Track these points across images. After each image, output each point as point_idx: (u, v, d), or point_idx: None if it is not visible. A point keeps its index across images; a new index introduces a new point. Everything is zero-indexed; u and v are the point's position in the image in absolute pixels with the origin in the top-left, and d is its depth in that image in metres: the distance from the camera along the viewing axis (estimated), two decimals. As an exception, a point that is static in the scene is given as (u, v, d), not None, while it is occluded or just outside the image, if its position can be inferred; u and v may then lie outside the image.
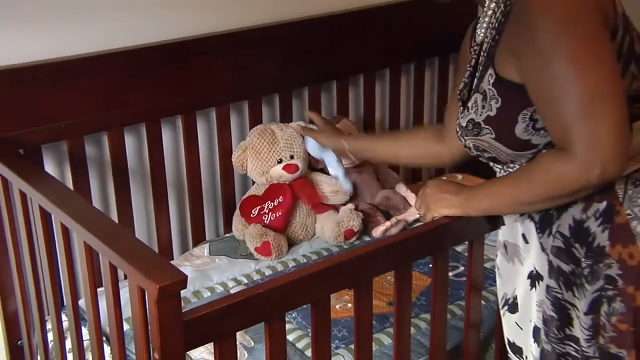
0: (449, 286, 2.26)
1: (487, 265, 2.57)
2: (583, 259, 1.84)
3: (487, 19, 1.92)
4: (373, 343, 2.15)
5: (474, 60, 2.01)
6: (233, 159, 2.89)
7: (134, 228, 2.82)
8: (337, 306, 2.55)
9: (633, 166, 1.82)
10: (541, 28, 1.67)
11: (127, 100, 2.67)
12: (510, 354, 2.17)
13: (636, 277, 1.79)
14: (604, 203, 1.81)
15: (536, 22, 1.68)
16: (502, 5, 1.85)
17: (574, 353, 1.93)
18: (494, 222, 2.20)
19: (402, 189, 3.15)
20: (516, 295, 2.06)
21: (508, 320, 2.14)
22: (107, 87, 2.61)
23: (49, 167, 2.62)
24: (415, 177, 3.64)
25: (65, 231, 2.03)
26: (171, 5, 2.74)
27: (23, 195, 2.21)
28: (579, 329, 1.89)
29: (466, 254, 2.29)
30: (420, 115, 3.58)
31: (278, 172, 2.87)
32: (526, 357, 2.09)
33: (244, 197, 2.95)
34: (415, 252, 2.14)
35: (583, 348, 1.89)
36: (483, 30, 1.94)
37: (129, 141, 2.78)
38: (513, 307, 2.09)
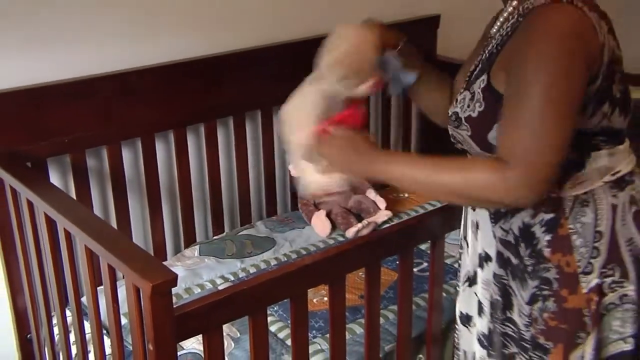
0: (414, 280, 2.27)
1: (448, 261, 2.60)
2: (526, 258, 1.87)
3: (502, 18, 1.87)
4: (346, 332, 2.17)
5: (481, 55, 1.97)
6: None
7: (131, 232, 2.83)
8: (315, 300, 2.56)
9: (582, 188, 1.84)
10: (531, 59, 1.65)
11: (124, 118, 2.67)
12: (459, 326, 2.17)
13: (570, 282, 1.82)
14: (551, 214, 1.82)
15: (530, 51, 1.65)
16: (516, 15, 1.79)
17: (512, 334, 1.95)
18: (453, 223, 2.22)
19: (372, 194, 3.16)
20: (477, 271, 2.06)
21: (465, 294, 2.14)
22: (106, 106, 2.62)
23: (54, 179, 2.62)
24: (384, 184, 3.63)
25: (69, 236, 2.04)
26: (161, 32, 2.75)
27: (30, 204, 2.21)
28: (518, 314, 1.91)
29: (429, 252, 2.31)
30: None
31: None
32: (474, 325, 2.10)
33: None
34: (384, 251, 2.15)
35: (521, 331, 1.92)
36: (496, 28, 1.89)
37: (126, 154, 2.78)
38: (473, 280, 2.09)
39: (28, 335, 2.64)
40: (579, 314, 1.83)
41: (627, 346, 1.87)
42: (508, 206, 1.72)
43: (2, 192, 2.41)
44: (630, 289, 1.83)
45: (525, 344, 1.92)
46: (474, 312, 2.11)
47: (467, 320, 2.13)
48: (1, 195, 2.42)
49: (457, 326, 2.19)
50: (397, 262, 2.21)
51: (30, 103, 2.46)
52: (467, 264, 2.12)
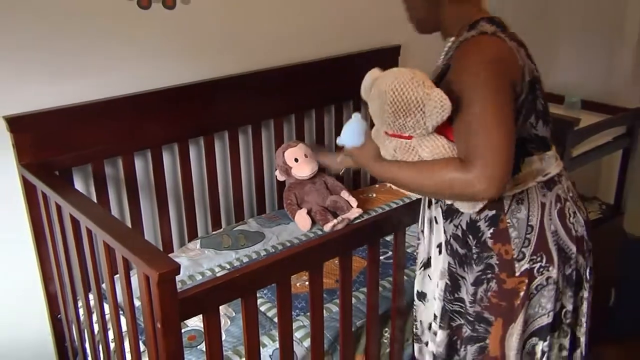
0: (380, 267, 2.29)
1: (408, 250, 2.59)
2: (473, 247, 1.90)
3: (444, 53, 1.93)
4: (324, 311, 2.18)
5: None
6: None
7: (143, 229, 2.83)
8: (297, 284, 2.57)
9: (518, 188, 1.86)
10: (468, 82, 1.68)
11: (136, 133, 2.68)
12: (416, 301, 2.20)
13: (508, 267, 1.86)
14: (493, 211, 1.86)
15: (467, 77, 1.69)
16: (454, 48, 1.83)
17: (459, 309, 2.00)
18: (412, 218, 2.24)
19: (345, 194, 3.16)
20: (430, 257, 2.09)
21: (421, 275, 2.17)
22: (121, 122, 2.62)
23: (78, 185, 2.62)
24: (355, 185, 3.65)
25: (90, 233, 2.05)
26: (167, 61, 2.76)
27: (58, 207, 2.22)
28: (465, 294, 1.96)
29: (392, 242, 2.32)
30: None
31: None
32: (428, 300, 2.14)
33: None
34: (355, 242, 2.17)
35: (467, 307, 1.96)
36: (442, 57, 1.94)
37: (138, 163, 2.79)
38: (427, 264, 2.12)
39: (58, 316, 2.64)
40: (515, 294, 1.87)
41: (547, 320, 1.92)
42: (481, 198, 1.72)
43: (35, 196, 2.42)
44: (553, 272, 1.87)
45: (469, 317, 1.97)
46: (428, 290, 2.14)
47: (422, 296, 2.17)
48: (34, 199, 2.42)
49: (414, 302, 2.22)
50: (366, 252, 2.21)
51: (58, 122, 2.46)
52: (422, 252, 2.14)
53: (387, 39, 3.47)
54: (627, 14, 3.76)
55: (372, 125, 1.91)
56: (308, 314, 2.20)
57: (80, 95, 2.53)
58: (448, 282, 2.00)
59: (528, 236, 1.85)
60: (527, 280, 1.86)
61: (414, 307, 2.23)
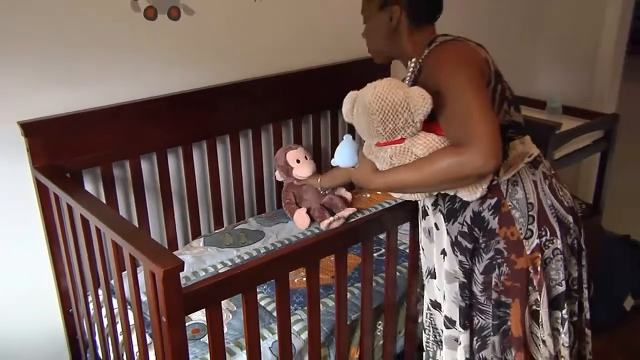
0: (374, 263, 2.28)
1: (400, 247, 2.59)
2: (481, 238, 1.91)
3: (408, 73, 2.01)
4: (321, 305, 2.21)
5: None
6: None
7: (149, 228, 2.83)
8: (295, 280, 2.57)
9: (511, 172, 1.89)
10: (446, 76, 1.76)
11: (142, 137, 2.68)
12: (432, 310, 2.21)
13: (516, 248, 1.89)
14: (495, 199, 1.89)
15: (443, 72, 1.78)
16: (417, 64, 1.95)
17: (476, 304, 2.00)
18: (404, 217, 2.25)
19: (341, 191, 3.18)
20: (434, 267, 2.11)
21: (430, 285, 2.19)
22: (128, 127, 2.62)
23: (88, 186, 2.62)
24: (351, 186, 3.63)
25: (99, 232, 2.05)
26: (172, 68, 2.76)
27: (69, 207, 2.23)
28: (474, 286, 1.97)
29: (385, 240, 2.32)
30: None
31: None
32: (442, 309, 2.13)
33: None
34: (350, 240, 2.17)
35: (478, 298, 1.98)
36: (407, 80, 2.01)
37: (144, 166, 2.79)
38: (433, 275, 2.14)
39: (70, 310, 2.64)
40: (526, 273, 1.90)
41: (562, 288, 1.95)
42: (483, 174, 1.72)
43: (47, 197, 2.42)
44: (558, 243, 1.90)
45: (484, 307, 1.98)
46: (439, 299, 2.15)
47: (437, 306, 2.17)
48: (46, 200, 2.42)
49: (430, 310, 2.22)
50: (361, 249, 2.21)
51: (69, 127, 2.46)
52: (425, 263, 2.16)
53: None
54: (604, 27, 3.79)
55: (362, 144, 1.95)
56: (305, 308, 2.21)
57: (90, 102, 2.53)
58: (464, 280, 2.00)
59: (531, 213, 1.88)
60: (540, 255, 1.89)
61: (431, 316, 2.23)
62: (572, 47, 3.89)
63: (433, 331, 2.24)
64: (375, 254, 2.52)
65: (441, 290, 2.11)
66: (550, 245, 1.90)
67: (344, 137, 2.01)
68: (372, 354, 2.41)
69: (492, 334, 1.99)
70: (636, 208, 4.52)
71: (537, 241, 1.88)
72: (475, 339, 2.03)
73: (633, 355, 3.41)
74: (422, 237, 2.16)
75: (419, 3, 1.96)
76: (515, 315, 1.93)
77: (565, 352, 2.00)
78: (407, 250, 2.40)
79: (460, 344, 2.06)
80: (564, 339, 1.98)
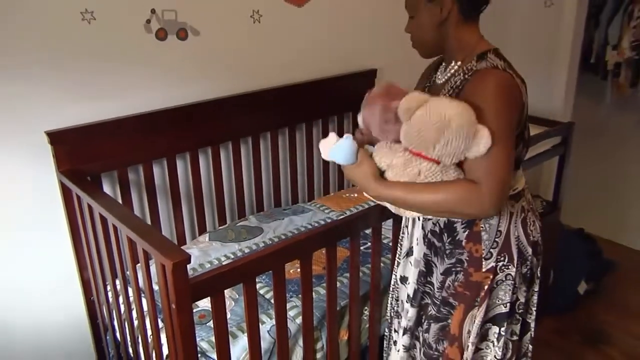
0: (361, 255, 2.29)
1: (384, 241, 2.59)
2: (447, 243, 1.90)
3: (449, 74, 1.81)
4: (313, 293, 2.19)
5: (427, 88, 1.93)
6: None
7: (160, 225, 2.82)
8: (291, 270, 2.55)
9: None
10: (488, 110, 1.61)
11: (154, 144, 2.67)
12: (399, 284, 2.19)
13: (476, 263, 1.86)
14: None
15: (486, 105, 1.61)
16: (462, 74, 1.74)
17: (429, 291, 2.01)
18: (387, 215, 2.23)
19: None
20: (412, 247, 2.08)
21: (404, 263, 2.15)
22: (141, 135, 2.61)
23: (106, 188, 2.61)
24: (339, 186, 3.65)
25: (115, 229, 2.05)
26: (181, 83, 2.75)
27: (90, 207, 2.22)
28: (435, 279, 1.96)
29: (371, 235, 2.32)
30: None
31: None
32: (409, 283, 2.11)
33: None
34: (339, 235, 2.15)
35: (435, 291, 1.98)
36: (445, 78, 1.82)
37: (156, 170, 2.78)
38: (409, 253, 2.10)
39: (91, 298, 2.63)
40: (479, 286, 1.88)
41: (505, 309, 1.92)
42: (476, 217, 1.67)
43: (71, 198, 2.41)
44: (512, 270, 1.86)
45: (435, 300, 1.98)
46: (409, 274, 2.13)
47: (404, 280, 2.16)
48: (70, 201, 2.42)
49: (397, 284, 2.20)
50: (349, 243, 2.20)
51: (89, 135, 2.45)
52: (406, 244, 2.14)
53: (365, 63, 3.47)
54: (560, 44, 3.84)
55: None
56: (300, 295, 2.21)
57: (108, 113, 2.53)
58: (423, 268, 2.00)
59: (497, 239, 1.84)
60: (491, 276, 1.86)
61: (397, 288, 2.22)
62: (535, 67, 3.95)
63: (395, 301, 2.25)
64: (362, 247, 2.52)
65: (412, 266, 2.10)
66: (505, 269, 1.86)
67: (345, 136, 1.73)
68: (359, 335, 2.41)
69: (432, 321, 2.00)
70: (589, 205, 4.55)
71: (493, 264, 1.84)
72: (421, 313, 2.06)
73: (586, 332, 3.45)
74: (409, 222, 2.12)
75: None
76: (456, 317, 1.92)
77: None
78: (390, 244, 2.39)
79: (408, 313, 2.10)
80: (496, 352, 1.96)
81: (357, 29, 3.37)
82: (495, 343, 1.96)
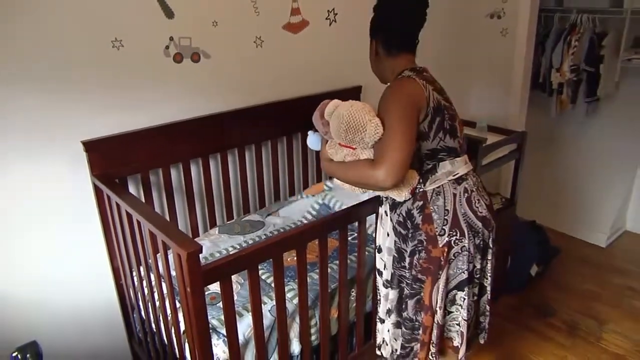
0: (348, 245, 2.30)
1: (369, 231, 2.60)
2: (410, 229, 1.90)
3: None
4: (308, 278, 2.20)
5: None
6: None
7: (177, 220, 2.80)
8: (288, 259, 2.55)
9: (436, 184, 1.88)
10: (385, 109, 1.76)
11: (171, 151, 2.65)
12: (377, 277, 2.21)
13: (432, 241, 1.89)
14: (421, 202, 1.88)
15: (385, 105, 1.77)
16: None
17: (403, 274, 2.02)
18: (370, 211, 2.24)
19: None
20: (380, 244, 2.11)
21: (378, 257, 2.18)
22: (161, 144, 2.60)
23: (131, 189, 2.59)
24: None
25: (139, 224, 2.04)
26: (194, 98, 2.73)
27: (118, 205, 2.21)
28: (407, 262, 1.96)
29: (357, 227, 2.31)
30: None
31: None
32: (382, 274, 2.15)
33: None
34: (329, 228, 2.14)
35: (406, 271, 1.98)
36: None
37: (173, 173, 2.76)
38: (379, 250, 2.13)
39: (120, 282, 2.61)
40: (438, 260, 1.89)
41: (465, 276, 1.95)
42: (378, 188, 1.76)
43: (102, 198, 2.40)
44: (465, 242, 1.89)
45: (408, 280, 1.99)
46: (381, 268, 2.14)
47: (379, 273, 2.17)
48: (102, 200, 2.40)
49: (377, 276, 2.23)
50: (338, 234, 2.20)
51: (118, 143, 2.43)
52: (379, 240, 2.15)
53: (351, 81, 3.46)
54: (514, 67, 3.89)
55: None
56: (296, 280, 2.21)
57: (133, 124, 2.51)
58: (395, 255, 2.01)
59: (446, 217, 1.87)
60: (447, 249, 1.87)
61: (376, 279, 2.23)
62: (494, 85, 3.99)
63: (375, 290, 2.29)
64: (349, 238, 2.52)
65: (383, 261, 2.13)
66: (459, 242, 1.89)
67: (315, 132, 2.08)
68: (347, 313, 2.40)
69: (409, 299, 2.01)
70: (540, 201, 4.58)
71: (447, 239, 1.87)
72: (402, 295, 2.08)
73: (536, 308, 3.50)
74: (379, 219, 2.14)
75: (386, 37, 1.93)
76: (427, 289, 1.94)
77: (463, 323, 2.01)
78: (374, 235, 2.38)
79: (389, 295, 2.12)
80: (463, 313, 1.99)
81: (344, 52, 3.37)
82: (463, 306, 1.98)
